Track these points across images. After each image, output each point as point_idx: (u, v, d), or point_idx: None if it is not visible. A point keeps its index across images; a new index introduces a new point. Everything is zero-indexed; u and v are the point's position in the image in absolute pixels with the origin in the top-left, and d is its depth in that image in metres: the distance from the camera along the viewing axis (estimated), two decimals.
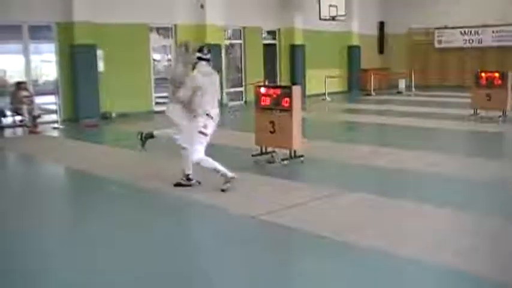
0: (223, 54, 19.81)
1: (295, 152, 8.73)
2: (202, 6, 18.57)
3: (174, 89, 7.05)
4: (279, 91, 8.79)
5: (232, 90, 20.89)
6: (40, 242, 5.39)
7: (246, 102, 20.31)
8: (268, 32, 22.39)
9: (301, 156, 8.77)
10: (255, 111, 9.10)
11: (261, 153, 9.08)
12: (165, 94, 18.28)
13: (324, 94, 21.57)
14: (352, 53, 25.69)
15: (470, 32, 25.64)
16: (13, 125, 14.78)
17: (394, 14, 27.42)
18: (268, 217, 5.81)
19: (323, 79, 21.81)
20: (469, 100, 14.55)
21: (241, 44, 21.14)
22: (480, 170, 8.06)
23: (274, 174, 8.06)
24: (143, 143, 7.72)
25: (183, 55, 7.15)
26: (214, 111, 6.94)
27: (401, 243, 4.94)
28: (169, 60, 19.17)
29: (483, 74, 13.92)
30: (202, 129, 6.78)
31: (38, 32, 15.94)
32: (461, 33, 25.90)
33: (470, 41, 25.76)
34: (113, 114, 16.10)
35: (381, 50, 28.65)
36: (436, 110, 16.37)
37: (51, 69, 16.46)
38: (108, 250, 5.06)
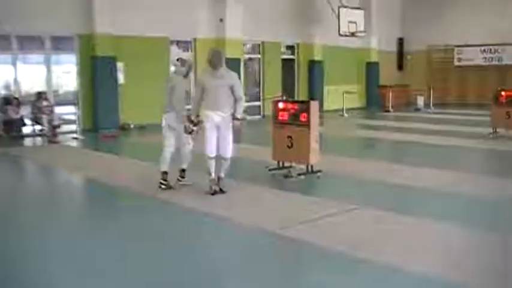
0: (241, 69, 19.90)
1: (312, 167, 8.73)
2: (221, 21, 18.72)
3: (172, 97, 7.90)
4: (296, 106, 8.82)
5: (250, 104, 20.95)
6: (53, 252, 5.44)
7: (264, 116, 20.34)
8: (287, 47, 22.48)
9: (318, 171, 8.76)
10: (273, 126, 9.12)
11: (278, 168, 9.09)
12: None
13: (342, 110, 21.54)
14: (371, 69, 25.67)
15: (490, 50, 25.52)
16: (33, 134, 14.98)
17: (414, 30, 27.37)
18: (284, 231, 5.80)
19: (341, 95, 21.82)
20: (488, 118, 14.45)
21: (259, 58, 21.24)
22: (499, 189, 7.98)
23: (290, 188, 8.06)
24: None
25: (179, 68, 8.10)
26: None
27: (415, 260, 4.90)
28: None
29: (503, 93, 13.83)
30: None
31: (59, 43, 16.18)
32: (481, 51, 25.78)
33: (490, 59, 25.63)
34: (131, 126, 16.23)
35: (400, 67, 28.60)
36: (454, 128, 16.26)
37: (71, 80, 16.67)
38: (123, 262, 5.09)
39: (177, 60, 8.42)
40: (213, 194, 7.41)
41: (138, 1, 16.53)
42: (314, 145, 8.58)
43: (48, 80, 15.99)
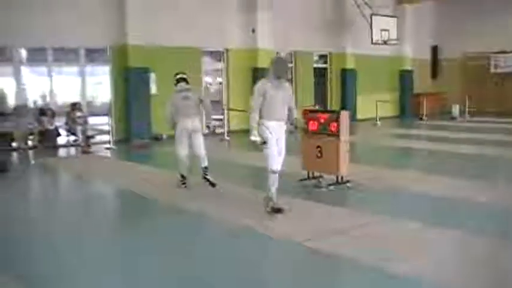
0: None
1: (342, 177, 8.63)
2: (253, 31, 18.77)
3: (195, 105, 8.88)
4: (326, 116, 8.75)
5: None
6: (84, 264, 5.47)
7: (296, 126, 20.22)
8: (320, 56, 22.41)
9: (348, 181, 8.66)
10: (303, 136, 9.05)
11: (308, 178, 9.02)
12: (215, 117, 18.63)
13: (375, 119, 21.34)
14: (405, 77, 25.39)
15: None
16: (67, 145, 15.21)
17: (449, 38, 26.96)
18: (313, 243, 5.72)
19: (374, 103, 21.62)
20: None
21: (291, 68, 21.19)
22: None
23: (320, 199, 7.97)
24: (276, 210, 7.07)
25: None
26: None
27: (450, 275, 4.77)
28: (220, 83, 19.38)
29: None
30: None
31: (93, 55, 16.43)
32: None
33: None
34: (164, 136, 16.33)
35: (434, 75, 28.21)
36: (490, 136, 15.93)
37: (105, 91, 16.90)
38: (157, 277, 5.09)
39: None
40: (277, 212, 6.92)
41: (171, 12, 16.68)
42: (344, 155, 8.48)
43: (82, 91, 16.25)
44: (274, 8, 18.90)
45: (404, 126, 21.02)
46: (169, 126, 9.11)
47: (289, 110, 7.17)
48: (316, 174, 9.01)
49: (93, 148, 14.48)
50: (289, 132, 7.46)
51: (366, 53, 22.70)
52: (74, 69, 16.31)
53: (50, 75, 15.68)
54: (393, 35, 21.74)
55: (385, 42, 21.47)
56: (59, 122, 15.35)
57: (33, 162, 12.93)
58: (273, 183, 7.00)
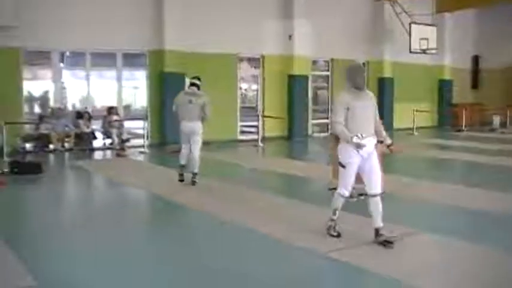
0: (309, 86, 19.80)
1: None
2: (290, 37, 18.72)
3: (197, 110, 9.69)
4: None
5: (318, 121, 20.82)
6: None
7: (332, 134, 20.05)
8: None
9: (382, 192, 8.47)
10: (333, 144, 8.91)
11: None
12: (250, 123, 18.67)
13: (412, 128, 21.01)
14: (444, 87, 24.93)
15: None
16: (102, 148, 15.40)
17: (490, 48, 26.34)
18: (339, 255, 5.61)
19: (412, 113, 21.30)
20: None
21: (328, 75, 21.06)
22: None
23: (350, 209, 7.79)
24: None
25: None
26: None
27: None
28: (256, 89, 19.38)
29: None
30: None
31: (130, 60, 16.63)
32: None
33: None
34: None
35: (475, 85, 27.63)
36: None
37: (141, 95, 17.07)
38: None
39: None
40: (337, 236, 6.29)
41: (207, 18, 16.75)
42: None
43: (119, 95, 16.44)
44: (312, 15, 18.80)
45: (441, 136, 20.62)
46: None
47: (378, 121, 6.24)
48: None
49: (127, 152, 14.60)
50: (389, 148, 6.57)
51: (404, 62, 22.37)
52: (112, 73, 16.52)
53: (88, 79, 15.91)
54: (432, 44, 21.41)
55: (424, 51, 21.15)
56: (96, 125, 15.56)
57: (68, 164, 13.12)
58: (338, 206, 6.44)
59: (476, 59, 27.43)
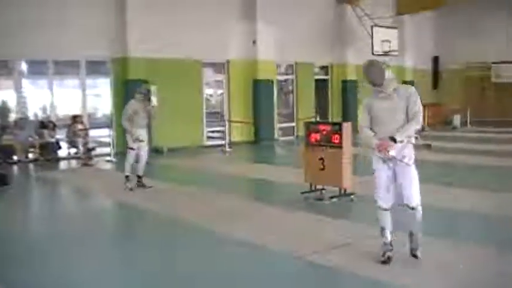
0: (274, 90, 19.88)
1: (345, 189, 8.54)
2: (254, 42, 18.77)
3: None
4: (329, 127, 8.67)
5: (284, 125, 20.92)
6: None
7: (297, 137, 20.22)
8: (321, 68, 22.40)
9: (352, 194, 8.58)
10: (305, 148, 8.99)
11: (311, 190, 8.93)
12: (216, 128, 18.64)
13: None
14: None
15: None
16: (68, 157, 15.16)
17: (449, 48, 26.98)
18: (314, 257, 5.64)
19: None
20: None
21: (293, 79, 21.19)
22: None
23: (322, 212, 7.89)
24: None
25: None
26: None
27: None
28: (221, 94, 19.37)
29: None
30: None
31: (94, 68, 16.42)
32: None
33: None
34: (164, 149, 16.25)
35: (435, 85, 28.18)
36: (492, 147, 15.87)
37: (106, 103, 16.87)
38: None
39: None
40: (385, 262, 5.41)
41: (171, 25, 16.66)
42: (347, 167, 8.40)
43: (83, 103, 16.21)
44: (275, 19, 18.91)
45: None
46: (128, 129, 10.16)
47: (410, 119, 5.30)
48: (320, 186, 8.92)
49: (93, 160, 14.41)
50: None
51: None
52: (75, 81, 16.28)
53: (51, 87, 15.64)
54: (394, 46, 21.75)
55: (386, 53, 21.45)
56: (60, 134, 15.31)
57: (34, 175, 12.88)
58: (385, 223, 5.57)
59: (436, 60, 28.01)
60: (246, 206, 8.54)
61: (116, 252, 6.41)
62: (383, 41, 21.25)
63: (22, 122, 14.77)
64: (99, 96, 17.48)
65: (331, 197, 8.53)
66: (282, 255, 5.86)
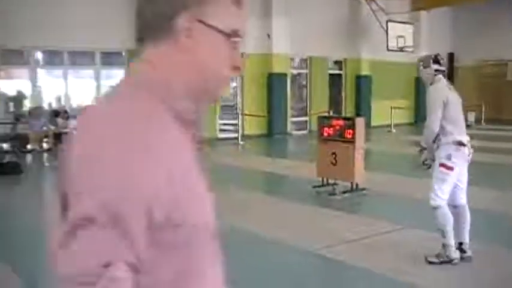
0: (288, 84, 19.87)
1: (357, 184, 8.54)
2: (269, 36, 18.74)
3: None
4: (342, 122, 8.67)
5: (297, 119, 20.91)
6: None
7: (310, 131, 20.20)
8: (335, 62, 22.33)
9: (363, 189, 8.57)
10: (318, 142, 8.99)
11: (323, 185, 8.93)
12: (230, 121, 18.66)
13: (390, 125, 21.19)
14: (420, 84, 24.93)
15: None
16: None
17: (465, 45, 26.77)
18: (326, 252, 5.66)
19: (389, 110, 21.48)
20: None
21: (306, 73, 21.15)
22: None
23: (334, 206, 7.89)
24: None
25: None
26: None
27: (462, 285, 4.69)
28: (235, 87, 19.37)
29: None
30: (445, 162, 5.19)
31: (109, 58, 16.49)
32: None
33: None
34: None
35: (450, 82, 27.96)
36: (507, 145, 15.75)
37: None
38: None
39: None
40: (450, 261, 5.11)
41: None
42: (359, 162, 8.40)
43: (97, 93, 16.28)
44: (290, 13, 18.88)
45: (419, 133, 20.62)
46: None
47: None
48: (332, 181, 8.92)
49: None
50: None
51: (381, 60, 22.55)
52: (90, 71, 16.36)
53: (66, 77, 15.73)
54: (409, 41, 21.63)
55: (401, 49, 21.34)
56: (74, 124, 15.37)
57: (47, 164, 12.98)
58: (448, 224, 5.11)
59: (451, 56, 27.80)
60: (258, 199, 8.56)
61: None
62: (398, 36, 21.13)
63: (37, 111, 14.86)
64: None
65: (343, 192, 8.52)
66: (293, 249, 5.88)
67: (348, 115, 20.67)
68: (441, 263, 5.11)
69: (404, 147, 16.05)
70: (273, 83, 19.04)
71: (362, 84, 22.45)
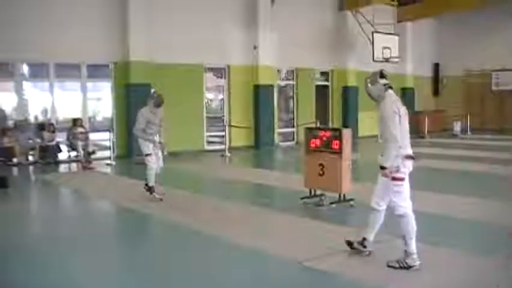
0: (275, 95, 19.92)
1: (344, 195, 8.56)
2: (255, 48, 18.81)
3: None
4: (329, 134, 8.69)
5: (284, 130, 20.95)
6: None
7: (297, 142, 20.24)
8: (321, 73, 22.42)
9: (351, 199, 8.59)
10: (305, 153, 9.00)
11: (310, 196, 8.94)
12: (216, 133, 18.65)
13: (377, 136, 21.25)
14: (406, 95, 25.34)
15: None
16: (68, 160, 15.17)
17: (450, 55, 27.06)
18: (314, 263, 5.65)
19: (376, 121, 21.53)
20: None
21: (293, 84, 21.22)
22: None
23: (322, 217, 7.90)
24: None
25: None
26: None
27: None
28: (221, 99, 19.37)
29: None
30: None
31: (95, 71, 16.45)
32: None
33: None
34: (165, 153, 16.19)
35: (436, 92, 28.24)
36: (492, 154, 15.87)
37: (106, 106, 16.89)
38: None
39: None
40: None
41: (173, 29, 16.73)
42: (346, 173, 8.42)
43: (84, 106, 16.23)
44: (277, 25, 18.98)
45: None
46: (140, 136, 9.47)
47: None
48: (319, 192, 8.93)
49: (93, 164, 14.41)
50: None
51: (367, 70, 22.54)
52: (76, 84, 16.30)
53: (52, 90, 15.66)
54: (395, 52, 21.79)
55: (386, 60, 21.49)
56: (60, 137, 15.32)
57: (33, 178, 12.89)
58: (407, 229, 5.59)
59: (436, 67, 28.07)
60: (244, 210, 8.55)
61: (114, 255, 6.42)
62: (384, 47, 21.29)
63: (22, 124, 14.78)
64: (100, 99, 17.51)
65: (331, 203, 8.54)
66: (278, 260, 5.88)
67: (335, 126, 20.76)
68: (400, 268, 5.36)
69: None
70: (260, 95, 19.07)
71: (349, 95, 22.54)
